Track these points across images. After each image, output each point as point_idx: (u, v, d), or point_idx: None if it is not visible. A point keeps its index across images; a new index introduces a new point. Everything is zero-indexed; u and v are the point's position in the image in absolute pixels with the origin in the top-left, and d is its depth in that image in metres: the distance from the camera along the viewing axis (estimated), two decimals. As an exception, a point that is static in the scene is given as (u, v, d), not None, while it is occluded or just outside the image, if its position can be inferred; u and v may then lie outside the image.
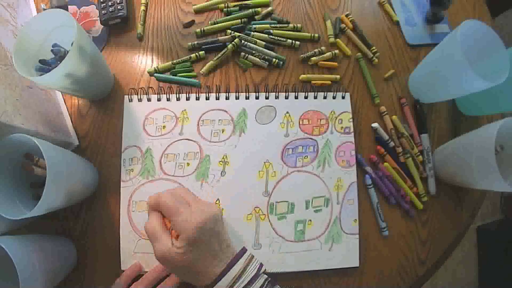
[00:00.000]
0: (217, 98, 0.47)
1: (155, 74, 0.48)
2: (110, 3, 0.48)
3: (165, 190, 0.38)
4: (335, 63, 0.49)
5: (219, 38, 0.49)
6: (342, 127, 0.47)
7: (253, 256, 0.36)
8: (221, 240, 0.35)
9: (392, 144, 0.47)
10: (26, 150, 0.34)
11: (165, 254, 0.33)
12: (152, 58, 0.49)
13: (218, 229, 0.35)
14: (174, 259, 0.33)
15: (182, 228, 0.33)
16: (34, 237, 0.38)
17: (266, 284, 0.34)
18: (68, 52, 0.36)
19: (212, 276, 0.33)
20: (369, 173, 0.45)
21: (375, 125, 0.47)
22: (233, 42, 0.48)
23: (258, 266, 0.35)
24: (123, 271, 0.41)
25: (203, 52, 0.48)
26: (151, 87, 0.47)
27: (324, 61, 0.49)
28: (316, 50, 0.49)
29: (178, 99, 0.46)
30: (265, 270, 0.36)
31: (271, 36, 0.49)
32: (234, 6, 0.50)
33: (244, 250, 0.36)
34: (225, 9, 0.50)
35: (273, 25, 0.50)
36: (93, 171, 0.43)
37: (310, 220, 0.43)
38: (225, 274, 0.33)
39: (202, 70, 0.48)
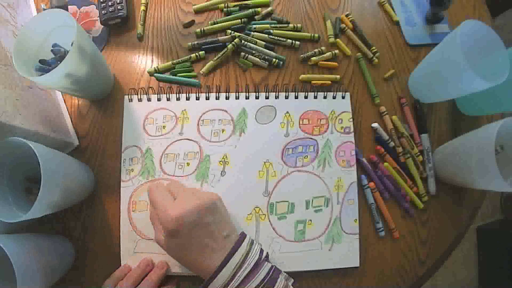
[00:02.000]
0: (217, 98, 0.47)
1: (155, 74, 0.48)
2: (110, 3, 0.48)
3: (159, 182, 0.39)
4: (335, 63, 0.49)
5: (219, 38, 0.49)
6: (342, 127, 0.47)
7: (253, 242, 0.36)
8: (210, 231, 0.34)
9: (392, 144, 0.47)
10: (22, 153, 0.34)
11: (158, 242, 0.36)
12: (152, 58, 0.49)
13: (206, 220, 0.34)
14: (164, 246, 0.35)
15: (162, 221, 0.34)
16: (31, 236, 0.38)
17: (271, 272, 0.34)
18: (68, 52, 0.36)
19: (211, 268, 0.33)
20: (369, 172, 0.45)
21: (375, 125, 0.47)
22: (233, 42, 0.48)
23: (258, 252, 0.35)
24: (123, 271, 0.41)
25: (203, 52, 0.48)
26: (151, 87, 0.47)
27: (324, 61, 0.49)
28: (316, 50, 0.49)
29: (178, 99, 0.46)
30: (267, 254, 0.36)
31: (271, 36, 0.49)
32: (234, 6, 0.50)
33: (243, 237, 0.36)
34: (225, 9, 0.50)
35: (273, 25, 0.50)
36: (89, 173, 0.43)
37: (310, 220, 0.43)
38: (224, 266, 0.33)
39: (202, 70, 0.48)
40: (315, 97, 0.47)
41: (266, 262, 0.35)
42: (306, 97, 0.47)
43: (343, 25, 0.51)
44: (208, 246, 0.34)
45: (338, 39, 0.50)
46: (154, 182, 0.41)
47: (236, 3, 0.51)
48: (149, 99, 0.46)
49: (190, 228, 0.34)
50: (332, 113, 0.47)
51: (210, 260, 0.34)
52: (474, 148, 0.39)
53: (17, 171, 0.38)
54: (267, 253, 0.36)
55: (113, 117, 0.46)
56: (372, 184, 0.45)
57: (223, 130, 0.45)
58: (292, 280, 0.37)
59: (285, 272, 0.41)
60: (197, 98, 0.46)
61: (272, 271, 0.34)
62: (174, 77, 0.47)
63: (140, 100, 0.46)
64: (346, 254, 0.43)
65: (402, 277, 0.44)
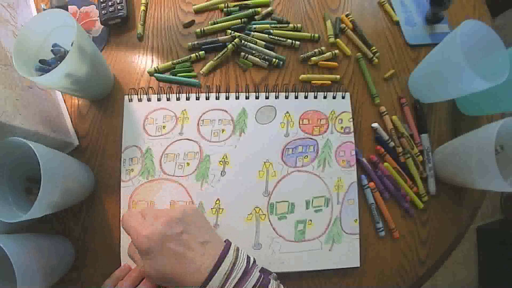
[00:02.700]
0: (217, 98, 0.47)
1: (155, 74, 0.48)
2: (110, 3, 0.48)
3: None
4: (335, 63, 0.49)
5: (219, 38, 0.49)
6: (342, 127, 0.47)
7: (239, 249, 0.35)
8: (184, 241, 0.33)
9: (392, 144, 0.47)
10: (22, 153, 0.34)
11: (146, 275, 0.35)
12: (152, 58, 0.49)
13: (176, 230, 0.34)
14: (150, 275, 0.34)
15: (135, 244, 0.34)
16: (31, 236, 0.38)
17: (261, 279, 0.33)
18: (68, 52, 0.36)
19: (196, 278, 0.32)
20: (369, 172, 0.45)
21: (375, 125, 0.47)
22: (233, 42, 0.48)
23: (246, 259, 0.34)
24: (123, 271, 0.40)
25: (203, 52, 0.48)
26: (151, 87, 0.47)
27: (324, 61, 0.49)
28: (316, 50, 0.49)
29: (178, 99, 0.46)
30: (254, 259, 0.35)
31: (271, 36, 0.49)
32: (234, 6, 0.50)
33: (228, 245, 0.35)
34: (225, 9, 0.50)
35: (273, 25, 0.50)
36: (89, 173, 0.43)
37: (311, 220, 0.43)
38: (213, 276, 0.32)
39: (202, 70, 0.48)
40: (315, 97, 0.47)
41: (256, 268, 0.34)
42: (306, 97, 0.47)
43: (343, 25, 0.51)
44: (185, 256, 0.33)
45: (338, 39, 0.50)
46: (127, 212, 0.40)
47: (236, 3, 0.51)
48: (149, 99, 0.46)
49: (161, 242, 0.33)
50: (332, 113, 0.47)
51: (193, 270, 0.32)
52: (474, 148, 0.39)
53: (17, 171, 0.38)
54: (254, 258, 0.36)
55: (113, 117, 0.46)
56: (372, 184, 0.45)
57: (223, 130, 0.45)
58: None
59: (285, 272, 0.41)
60: (197, 98, 0.46)
61: (262, 277, 0.34)
62: (174, 77, 0.47)
63: (140, 100, 0.46)
64: (346, 254, 0.43)
65: (402, 277, 0.44)
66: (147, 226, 0.34)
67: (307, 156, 0.45)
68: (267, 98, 0.47)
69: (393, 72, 0.50)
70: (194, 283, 0.32)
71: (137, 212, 0.37)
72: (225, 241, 0.36)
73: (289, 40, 0.49)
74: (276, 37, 0.49)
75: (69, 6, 0.50)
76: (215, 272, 0.32)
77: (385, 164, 0.46)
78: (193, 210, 0.37)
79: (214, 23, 0.50)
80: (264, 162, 0.45)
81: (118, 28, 0.50)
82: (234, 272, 0.32)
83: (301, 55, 0.49)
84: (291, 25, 0.50)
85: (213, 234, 0.36)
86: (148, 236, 0.33)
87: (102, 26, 0.49)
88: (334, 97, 0.48)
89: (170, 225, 0.34)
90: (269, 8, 0.51)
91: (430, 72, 0.46)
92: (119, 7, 0.48)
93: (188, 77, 0.47)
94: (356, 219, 0.44)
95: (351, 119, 0.47)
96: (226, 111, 0.46)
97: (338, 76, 0.48)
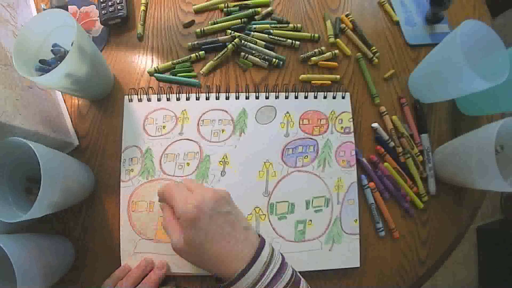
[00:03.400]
0: (217, 98, 0.47)
1: (155, 74, 0.48)
2: (110, 3, 0.48)
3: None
4: (335, 63, 0.49)
5: (219, 38, 0.49)
6: (342, 127, 0.47)
7: (270, 243, 0.35)
8: (231, 221, 0.33)
9: (392, 144, 0.47)
10: (22, 153, 0.34)
11: (176, 245, 0.33)
12: (152, 58, 0.49)
13: (225, 209, 0.33)
14: (183, 248, 0.33)
15: (181, 212, 0.33)
16: (31, 236, 0.38)
17: (295, 275, 0.33)
18: (68, 52, 0.36)
19: (238, 261, 0.31)
20: (369, 172, 0.45)
21: (375, 125, 0.47)
22: (233, 42, 0.48)
23: (280, 254, 0.34)
24: (123, 271, 0.40)
25: (203, 52, 0.48)
26: (151, 87, 0.47)
27: (324, 61, 0.49)
28: (316, 50, 0.49)
29: (178, 99, 0.46)
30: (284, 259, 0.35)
31: (271, 36, 0.49)
32: (234, 6, 0.50)
33: (263, 238, 0.35)
34: (225, 9, 0.50)
35: (273, 25, 0.50)
36: (89, 173, 0.43)
37: (311, 220, 0.43)
38: (254, 262, 0.31)
39: (202, 70, 0.48)
40: (315, 97, 0.47)
41: (288, 264, 0.34)
42: (306, 97, 0.47)
43: (343, 25, 0.51)
44: (231, 235, 0.32)
45: (338, 39, 0.50)
46: (165, 182, 0.42)
47: (236, 3, 0.51)
48: (149, 99, 0.46)
49: (211, 214, 0.32)
50: (332, 113, 0.47)
51: (236, 252, 0.32)
52: (474, 148, 0.39)
53: (17, 171, 0.38)
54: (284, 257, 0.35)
55: (113, 117, 0.46)
56: (372, 184, 0.45)
57: (223, 130, 0.45)
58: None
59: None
60: (197, 98, 0.46)
61: (295, 273, 0.33)
62: (174, 77, 0.47)
63: (140, 100, 0.46)
64: (346, 254, 0.43)
65: (402, 277, 0.44)
66: (195, 197, 0.33)
67: (307, 156, 0.45)
68: (267, 98, 0.47)
69: (393, 72, 0.50)
70: (234, 268, 0.31)
71: (183, 184, 0.37)
72: (258, 234, 0.36)
73: (289, 40, 0.49)
74: (276, 37, 0.49)
75: (69, 6, 0.50)
76: (256, 260, 0.31)
77: (385, 164, 0.46)
78: (228, 195, 0.36)
79: (214, 23, 0.50)
80: (264, 162, 0.45)
81: (118, 28, 0.50)
82: (272, 263, 0.32)
83: (301, 55, 0.49)
84: (291, 25, 0.50)
85: (248, 221, 0.36)
86: (199, 206, 0.32)
87: (102, 26, 0.49)
88: (334, 97, 0.48)
89: (221, 201, 0.34)
90: (269, 8, 0.51)
91: (430, 72, 0.46)
92: (119, 7, 0.48)
93: (188, 77, 0.47)
94: (356, 219, 0.44)
95: (351, 119, 0.47)
96: (226, 111, 0.46)
97: (338, 76, 0.48)
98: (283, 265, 0.33)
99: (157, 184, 0.43)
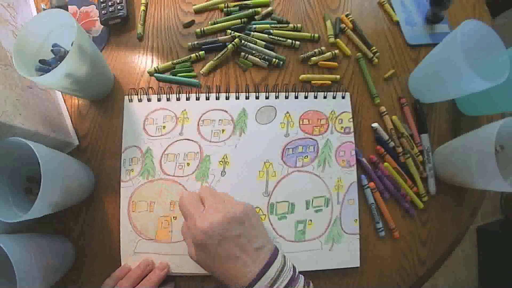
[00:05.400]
0: (217, 98, 0.47)
1: (155, 74, 0.48)
2: (110, 3, 0.48)
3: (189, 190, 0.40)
4: (335, 63, 0.49)
5: (219, 38, 0.49)
6: (342, 127, 0.47)
7: (285, 256, 0.35)
8: (241, 244, 0.33)
9: (392, 144, 0.47)
10: (22, 153, 0.34)
11: (190, 255, 0.35)
12: (152, 58, 0.49)
13: (234, 232, 0.33)
14: (196, 260, 0.34)
15: (191, 233, 0.34)
16: (32, 235, 0.38)
17: (304, 285, 0.33)
18: (68, 52, 0.36)
19: (243, 281, 0.32)
20: (369, 172, 0.45)
21: (375, 125, 0.47)
22: (233, 42, 0.48)
23: (292, 268, 0.34)
24: (123, 271, 0.40)
25: (203, 52, 0.48)
26: (151, 87, 0.47)
27: (324, 61, 0.49)
28: (316, 50, 0.49)
29: (178, 99, 0.46)
30: (298, 271, 0.35)
31: (271, 36, 0.49)
32: (234, 6, 0.50)
33: (277, 250, 0.35)
34: (225, 9, 0.50)
35: (273, 25, 0.50)
36: (89, 173, 0.43)
37: (311, 220, 0.43)
38: (259, 279, 0.31)
39: (202, 70, 0.48)
40: (315, 97, 0.47)
41: (301, 277, 0.34)
42: (306, 97, 0.47)
43: (343, 25, 0.51)
44: (239, 258, 0.32)
45: (338, 39, 0.50)
46: (184, 191, 0.42)
47: (236, 3, 0.51)
48: (149, 99, 0.46)
49: (218, 240, 0.32)
50: (332, 113, 0.47)
51: (242, 273, 0.32)
52: (474, 148, 0.39)
53: (17, 171, 0.38)
54: (298, 270, 0.35)
55: (113, 117, 0.46)
56: (372, 184, 0.45)
57: (223, 130, 0.45)
58: None
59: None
60: (197, 98, 0.46)
61: (306, 285, 0.33)
62: (174, 77, 0.47)
63: (140, 100, 0.46)
64: (346, 254, 0.43)
65: (402, 277, 0.44)
66: (206, 218, 0.33)
67: (307, 156, 0.45)
68: (267, 98, 0.47)
69: (393, 72, 0.50)
70: (240, 283, 0.32)
71: (197, 197, 0.36)
72: (274, 248, 0.35)
73: (289, 40, 0.49)
74: (276, 37, 0.49)
75: (69, 6, 0.50)
76: (261, 276, 0.32)
77: (385, 164, 0.46)
78: (252, 211, 0.36)
79: (214, 23, 0.50)
80: (264, 162, 0.45)
81: (118, 28, 0.50)
82: (281, 278, 0.32)
83: (301, 55, 0.49)
84: (291, 25, 0.50)
85: (266, 238, 0.35)
86: (207, 231, 0.32)
87: (102, 26, 0.49)
88: (334, 97, 0.48)
89: (231, 225, 0.33)
90: (269, 8, 0.51)
91: (430, 72, 0.46)
92: (119, 7, 0.48)
93: (188, 77, 0.47)
94: (356, 219, 0.44)
95: (351, 119, 0.47)
96: (226, 111, 0.46)
97: (338, 76, 0.48)
98: (292, 280, 0.33)
99: (157, 184, 0.43)
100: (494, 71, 0.38)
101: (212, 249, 0.32)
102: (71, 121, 0.46)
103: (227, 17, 0.50)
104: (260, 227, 0.36)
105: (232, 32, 0.49)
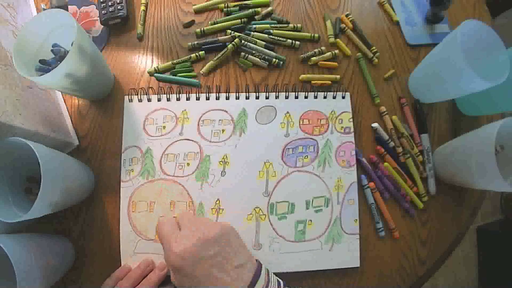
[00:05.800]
0: (217, 98, 0.47)
1: (155, 74, 0.48)
2: (110, 3, 0.48)
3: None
4: (335, 63, 0.49)
5: (219, 38, 0.49)
6: (342, 127, 0.47)
7: (269, 271, 0.35)
8: (219, 264, 0.32)
9: (392, 144, 0.47)
10: (22, 153, 0.34)
11: (173, 283, 0.35)
12: (152, 58, 0.49)
13: (210, 252, 0.32)
14: (177, 286, 0.34)
15: (166, 258, 0.34)
16: (32, 235, 0.38)
17: None
18: (68, 52, 0.36)
19: None
20: (369, 172, 0.45)
21: (375, 125, 0.47)
22: (233, 42, 0.48)
23: (277, 283, 0.34)
24: (123, 271, 0.40)
25: (203, 52, 0.48)
26: (151, 87, 0.47)
27: (324, 61, 0.49)
28: (316, 50, 0.49)
29: (178, 99, 0.46)
30: (284, 283, 0.35)
31: (271, 36, 0.49)
32: (234, 6, 0.50)
33: (260, 266, 0.34)
34: (225, 9, 0.50)
35: (273, 25, 0.50)
36: (89, 173, 0.43)
37: (311, 220, 0.43)
38: None
39: (202, 70, 0.48)
40: (315, 97, 0.47)
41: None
42: (306, 97, 0.47)
43: (343, 25, 0.51)
44: (219, 279, 0.32)
45: (338, 39, 0.50)
46: (162, 217, 0.42)
47: (236, 3, 0.51)
48: (149, 99, 0.46)
49: (193, 261, 0.32)
50: (332, 113, 0.47)
51: None
52: (474, 148, 0.39)
53: (17, 171, 0.38)
54: (284, 282, 0.35)
55: (113, 117, 0.46)
56: (372, 184, 0.45)
57: (223, 130, 0.45)
58: None
59: (285, 272, 0.41)
60: (197, 98, 0.46)
61: None
62: (174, 77, 0.47)
63: (140, 100, 0.46)
64: (346, 254, 0.43)
65: (402, 277, 0.44)
66: (180, 241, 0.33)
67: (307, 156, 0.45)
68: (267, 98, 0.47)
69: (393, 72, 0.50)
70: None
71: (173, 220, 0.36)
72: (256, 261, 0.35)
73: (289, 40, 0.49)
74: (276, 37, 0.49)
75: (69, 6, 0.50)
76: None
77: (385, 164, 0.46)
78: (230, 229, 0.36)
79: (214, 23, 0.50)
80: (264, 162, 0.45)
81: (118, 28, 0.50)
82: None
83: (301, 55, 0.49)
84: (291, 25, 0.50)
85: (246, 255, 0.35)
86: (181, 255, 0.32)
87: (102, 26, 0.49)
88: (334, 97, 0.48)
89: (206, 246, 0.33)
90: (269, 8, 0.51)
91: (430, 72, 0.46)
92: (119, 7, 0.48)
93: (188, 77, 0.47)
94: (356, 219, 0.44)
95: (351, 119, 0.47)
96: (226, 111, 0.46)
97: (338, 76, 0.48)
98: None
99: (157, 184, 0.43)
100: (494, 71, 0.38)
101: (189, 271, 0.32)
102: (71, 121, 0.46)
103: (227, 17, 0.50)
104: (240, 245, 0.35)
105: (232, 32, 0.49)
